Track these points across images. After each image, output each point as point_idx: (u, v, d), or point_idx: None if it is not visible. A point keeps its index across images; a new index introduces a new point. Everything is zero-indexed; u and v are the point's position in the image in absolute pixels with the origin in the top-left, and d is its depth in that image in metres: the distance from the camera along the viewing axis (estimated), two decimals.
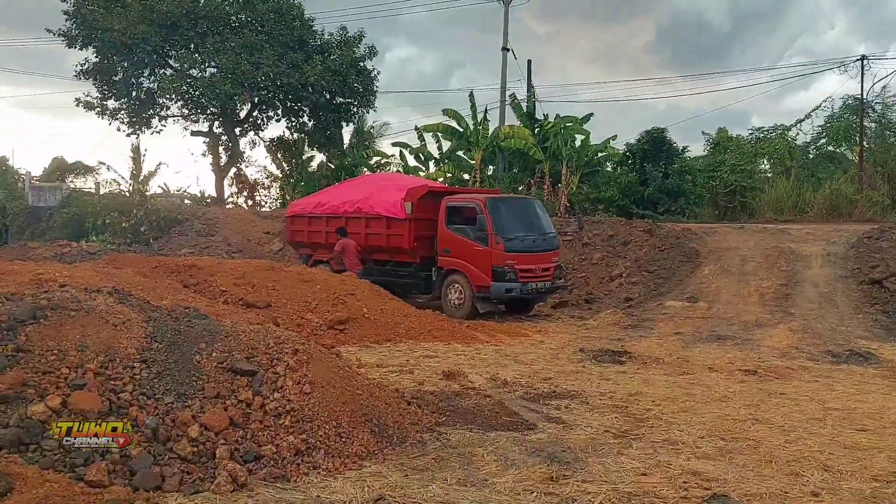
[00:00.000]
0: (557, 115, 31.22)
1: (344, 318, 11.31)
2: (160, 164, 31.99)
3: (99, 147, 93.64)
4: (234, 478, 4.84)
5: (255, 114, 32.61)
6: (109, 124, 31.54)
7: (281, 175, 35.87)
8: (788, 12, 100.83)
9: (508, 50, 33.16)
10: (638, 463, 5.41)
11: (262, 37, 29.83)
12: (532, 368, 9.27)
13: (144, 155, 30.28)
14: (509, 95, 33.04)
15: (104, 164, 34.30)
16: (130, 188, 29.03)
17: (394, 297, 13.23)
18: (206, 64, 30.48)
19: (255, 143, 34.50)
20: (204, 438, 5.19)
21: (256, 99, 30.83)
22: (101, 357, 5.54)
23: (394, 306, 12.38)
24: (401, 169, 32.73)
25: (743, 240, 19.48)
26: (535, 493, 4.78)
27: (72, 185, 33.25)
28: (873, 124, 28.14)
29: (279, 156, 33.50)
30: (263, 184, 33.87)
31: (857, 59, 27.14)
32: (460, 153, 32.74)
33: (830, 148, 30.75)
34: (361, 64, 30.70)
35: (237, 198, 33.99)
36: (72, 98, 31.90)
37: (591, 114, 31.71)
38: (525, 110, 32.22)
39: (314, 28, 31.32)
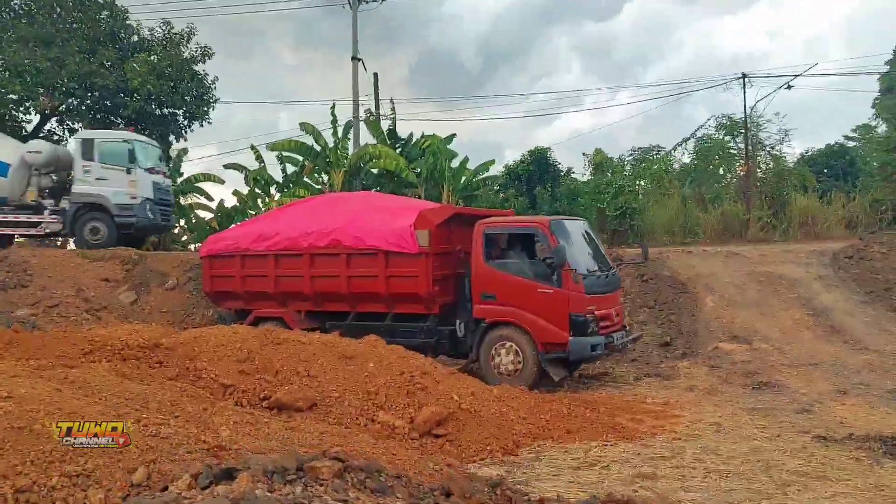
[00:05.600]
0: (423, 134, 28.05)
1: (443, 416, 6.98)
2: None
3: None
4: None
5: (47, 126, 25.31)
6: None
7: None
8: (531, 55, 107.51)
9: (359, 60, 29.19)
10: None
11: (61, 27, 23.22)
12: (833, 489, 5.76)
13: None
14: (364, 111, 29.20)
15: None
16: None
17: (455, 370, 9.02)
18: None
19: None
20: None
21: (57, 105, 23.79)
22: None
23: (473, 386, 8.17)
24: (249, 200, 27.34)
25: (707, 265, 17.31)
26: None
27: None
28: (741, 143, 28.17)
29: None
30: None
31: (739, 78, 27.00)
32: (305, 177, 28.19)
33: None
34: (194, 67, 25.01)
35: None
36: None
37: (454, 134, 28.87)
38: (385, 128, 28.63)
39: (129, 22, 25.07)
